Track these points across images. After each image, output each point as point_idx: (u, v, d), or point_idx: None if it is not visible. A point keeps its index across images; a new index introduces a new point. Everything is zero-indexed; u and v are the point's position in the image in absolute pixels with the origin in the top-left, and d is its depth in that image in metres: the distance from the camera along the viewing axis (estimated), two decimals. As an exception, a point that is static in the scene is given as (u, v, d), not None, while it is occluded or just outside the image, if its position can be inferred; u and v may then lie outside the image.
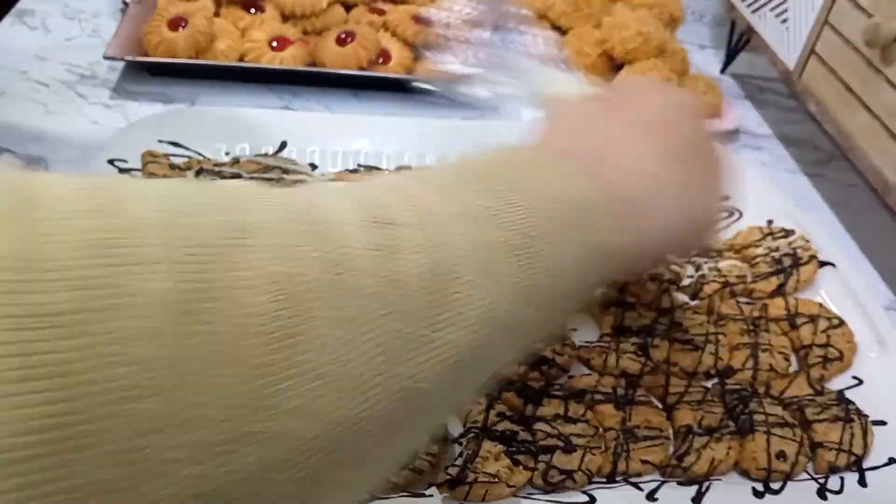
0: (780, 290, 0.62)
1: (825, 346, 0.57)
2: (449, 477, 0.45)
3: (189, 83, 0.83)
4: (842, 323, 0.59)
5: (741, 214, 0.70)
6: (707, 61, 1.04)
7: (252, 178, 0.65)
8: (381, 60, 0.83)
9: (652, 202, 0.38)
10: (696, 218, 0.42)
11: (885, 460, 0.51)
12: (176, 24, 0.79)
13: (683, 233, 0.41)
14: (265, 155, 0.69)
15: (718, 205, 0.45)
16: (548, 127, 0.42)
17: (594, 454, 0.48)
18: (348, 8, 0.90)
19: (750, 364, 0.56)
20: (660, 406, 0.53)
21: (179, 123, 0.70)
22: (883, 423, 0.53)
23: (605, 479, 0.48)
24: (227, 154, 0.68)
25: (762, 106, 0.96)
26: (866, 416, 0.52)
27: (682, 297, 0.62)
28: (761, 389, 0.55)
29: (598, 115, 0.43)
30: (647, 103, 0.43)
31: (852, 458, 0.50)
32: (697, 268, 0.63)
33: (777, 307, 0.61)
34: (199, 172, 0.65)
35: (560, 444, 0.48)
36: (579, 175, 0.36)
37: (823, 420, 0.51)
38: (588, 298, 0.37)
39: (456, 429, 0.49)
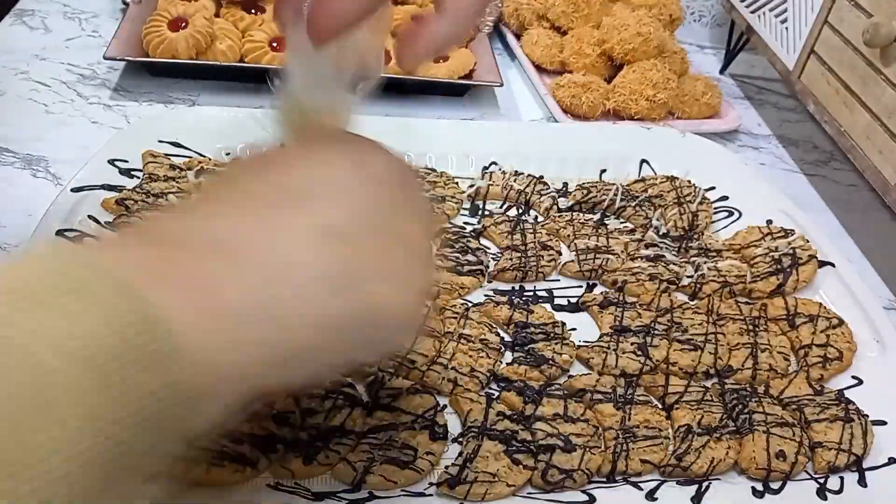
0: (779, 290, 0.62)
1: (825, 345, 0.57)
2: (449, 476, 0.45)
3: (189, 83, 0.83)
4: (841, 323, 0.59)
5: (740, 214, 0.70)
6: (707, 62, 1.04)
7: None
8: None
9: (286, 301, 0.30)
10: (365, 315, 0.33)
11: (885, 460, 0.51)
12: (176, 24, 0.79)
13: (346, 335, 0.32)
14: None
15: (409, 295, 0.35)
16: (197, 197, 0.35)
17: (594, 454, 0.48)
18: (348, 8, 0.90)
19: (749, 364, 0.56)
20: (659, 406, 0.53)
21: (179, 123, 0.70)
22: (883, 422, 0.53)
23: (604, 479, 0.48)
24: (227, 154, 0.69)
25: (762, 106, 0.96)
26: (866, 416, 0.52)
27: (681, 297, 0.62)
28: (761, 389, 0.55)
29: (252, 176, 0.35)
30: (325, 164, 0.35)
31: (852, 458, 0.50)
32: (697, 268, 0.63)
33: (776, 307, 0.61)
34: (199, 172, 0.65)
35: (559, 443, 0.48)
36: (153, 291, 0.27)
37: (823, 420, 0.52)
38: (218, 425, 0.29)
39: (456, 428, 0.49)
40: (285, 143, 0.39)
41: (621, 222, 0.69)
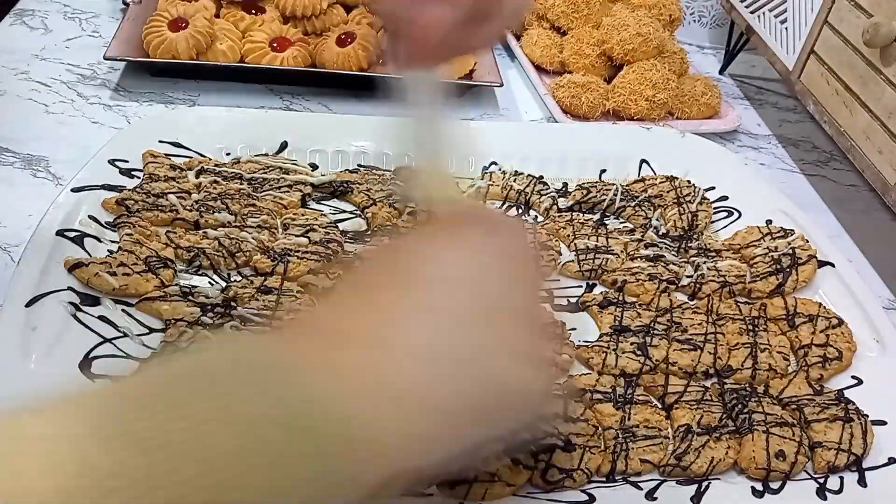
0: (779, 290, 0.62)
1: (824, 345, 0.57)
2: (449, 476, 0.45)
3: (189, 83, 0.83)
4: (841, 323, 0.59)
5: (740, 214, 0.70)
6: (706, 62, 1.04)
7: (252, 177, 0.65)
8: (380, 61, 0.84)
9: (428, 385, 0.32)
10: (495, 389, 0.35)
11: (885, 460, 0.51)
12: (176, 24, 0.80)
13: (483, 408, 0.34)
14: (265, 155, 0.69)
15: (536, 368, 0.37)
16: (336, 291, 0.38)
17: (593, 453, 0.48)
18: (348, 9, 0.90)
19: (749, 364, 0.56)
20: (659, 405, 0.53)
21: (180, 123, 0.70)
22: (883, 422, 0.53)
23: (604, 479, 0.48)
24: (227, 154, 0.69)
25: (761, 106, 0.96)
26: (866, 416, 0.52)
27: (681, 297, 0.62)
28: (760, 389, 0.55)
29: (390, 269, 0.37)
30: (452, 255, 0.37)
31: (852, 458, 0.50)
32: (696, 268, 0.63)
33: (776, 307, 0.61)
34: (199, 172, 0.66)
35: (559, 443, 0.48)
36: (320, 374, 0.30)
37: (823, 420, 0.52)
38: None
39: (456, 428, 0.49)
40: (417, 206, 0.42)
41: (621, 222, 0.69)
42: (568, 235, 0.65)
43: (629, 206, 0.69)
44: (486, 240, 0.39)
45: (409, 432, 0.31)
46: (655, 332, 0.57)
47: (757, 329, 0.58)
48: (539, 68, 0.92)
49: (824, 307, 0.61)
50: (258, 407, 0.27)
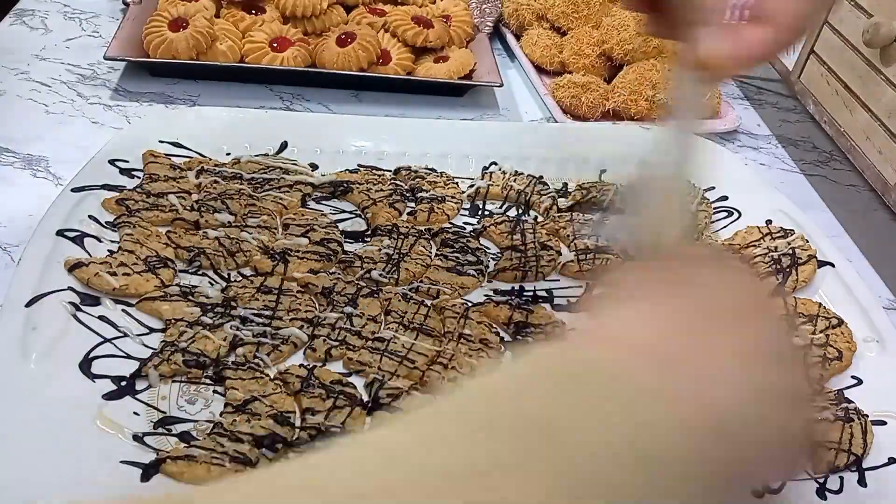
0: (778, 290, 0.62)
1: (824, 345, 0.57)
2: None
3: (190, 83, 0.83)
4: (841, 323, 0.59)
5: (740, 214, 0.70)
6: (706, 62, 1.04)
7: (252, 177, 0.65)
8: (380, 61, 0.84)
9: (747, 415, 0.31)
10: (794, 432, 0.33)
11: (885, 460, 0.51)
12: (177, 24, 0.80)
13: (785, 449, 0.33)
14: (266, 155, 0.69)
15: (810, 412, 0.37)
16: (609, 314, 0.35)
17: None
18: (348, 9, 0.90)
19: (749, 364, 0.56)
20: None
21: (180, 123, 0.70)
22: (883, 423, 0.53)
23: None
24: (227, 154, 0.69)
25: (761, 106, 0.96)
26: (866, 416, 0.52)
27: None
28: (761, 389, 0.55)
29: (666, 300, 0.35)
30: (720, 289, 0.36)
31: (852, 458, 0.50)
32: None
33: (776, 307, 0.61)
34: (199, 172, 0.66)
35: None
36: (660, 400, 0.29)
37: (823, 420, 0.51)
38: None
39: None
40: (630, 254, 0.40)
41: (621, 222, 0.69)
42: (568, 235, 0.65)
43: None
44: (741, 275, 0.38)
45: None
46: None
47: (757, 329, 0.58)
48: (539, 68, 0.92)
49: (824, 307, 0.61)
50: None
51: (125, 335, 0.51)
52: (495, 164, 0.72)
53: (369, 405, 0.49)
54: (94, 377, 0.47)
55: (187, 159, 0.67)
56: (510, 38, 0.97)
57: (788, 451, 0.34)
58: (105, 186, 0.62)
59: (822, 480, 0.49)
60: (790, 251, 0.64)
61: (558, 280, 0.63)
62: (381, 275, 0.58)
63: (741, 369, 0.32)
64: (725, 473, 0.31)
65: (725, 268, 0.39)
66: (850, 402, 0.53)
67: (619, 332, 0.33)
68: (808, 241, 0.65)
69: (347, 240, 0.62)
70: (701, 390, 0.30)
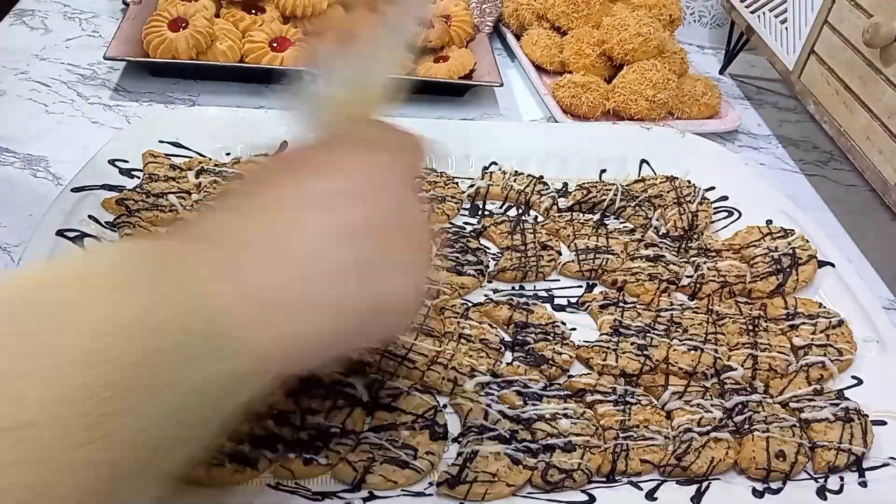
0: (779, 290, 0.62)
1: (824, 345, 0.57)
2: (448, 476, 0.45)
3: (189, 83, 0.83)
4: (841, 322, 0.59)
5: (740, 214, 0.70)
6: (706, 62, 1.04)
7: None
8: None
9: (312, 291, 0.34)
10: (376, 303, 0.36)
11: (885, 460, 0.51)
12: (176, 24, 0.80)
13: (360, 321, 0.36)
14: (265, 155, 0.69)
15: (414, 287, 0.39)
16: (220, 205, 0.38)
17: (594, 454, 0.48)
18: (349, 9, 0.90)
19: (749, 364, 0.56)
20: (659, 405, 0.53)
21: (180, 123, 0.70)
22: (883, 423, 0.53)
23: (604, 479, 0.48)
24: (227, 154, 0.69)
25: (761, 106, 0.96)
26: (866, 416, 0.52)
27: (681, 297, 0.62)
28: (760, 389, 0.55)
29: (280, 179, 0.38)
30: (344, 169, 0.38)
31: (852, 458, 0.50)
32: (697, 268, 0.63)
33: (776, 307, 0.61)
34: (199, 172, 0.65)
35: (559, 443, 0.48)
36: (208, 282, 0.31)
37: (823, 420, 0.52)
38: (248, 405, 0.32)
39: (456, 429, 0.49)
40: (313, 136, 0.42)
41: (621, 222, 0.69)
42: (568, 235, 0.65)
43: (629, 206, 0.69)
44: (380, 160, 0.39)
45: (294, 336, 0.33)
46: (656, 332, 0.57)
47: (757, 329, 0.58)
48: (539, 68, 0.92)
49: (824, 307, 0.61)
50: (153, 313, 0.28)
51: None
52: (495, 164, 0.72)
53: (369, 405, 0.49)
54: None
55: (187, 159, 0.67)
56: (510, 38, 0.97)
57: (368, 319, 0.37)
58: (105, 186, 0.62)
59: (822, 480, 0.49)
60: (790, 251, 0.64)
61: (558, 280, 0.63)
62: (381, 275, 0.58)
63: (327, 245, 0.35)
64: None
65: (377, 147, 0.41)
66: (850, 402, 0.53)
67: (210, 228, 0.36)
68: (808, 241, 0.65)
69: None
70: (283, 268, 0.34)
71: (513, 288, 0.61)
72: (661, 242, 0.66)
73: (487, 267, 0.62)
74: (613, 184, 0.71)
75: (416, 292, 0.40)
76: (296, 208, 0.36)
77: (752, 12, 0.88)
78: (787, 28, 0.81)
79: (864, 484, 0.49)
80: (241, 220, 0.36)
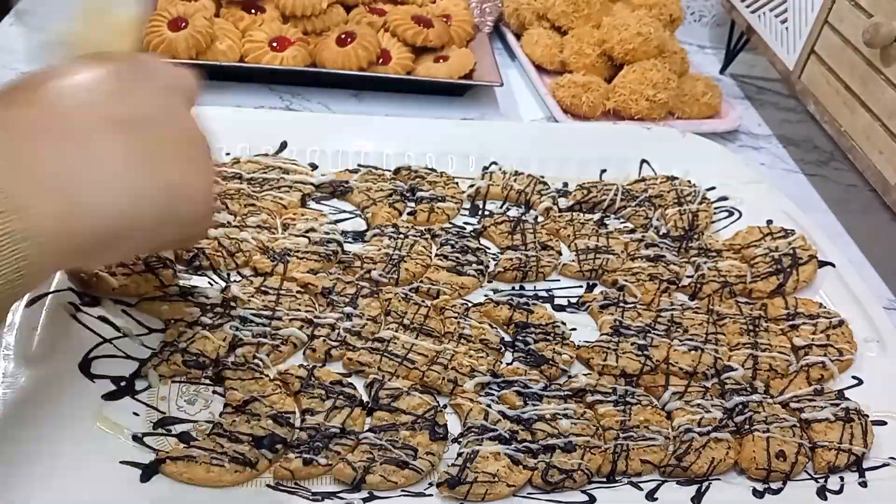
0: (779, 290, 0.62)
1: (825, 345, 0.57)
2: (449, 476, 0.45)
3: (189, 83, 0.83)
4: (841, 322, 0.59)
5: (740, 214, 0.70)
6: (707, 62, 1.04)
7: (252, 177, 0.65)
8: (380, 61, 0.84)
9: (101, 169, 0.35)
10: (167, 191, 0.39)
11: (885, 460, 0.51)
12: (176, 24, 0.79)
13: (154, 208, 0.38)
14: (265, 155, 0.69)
15: (203, 182, 0.42)
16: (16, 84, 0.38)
17: (594, 454, 0.48)
18: (348, 9, 0.90)
19: (749, 364, 0.56)
20: (659, 406, 0.53)
21: (179, 123, 0.70)
22: (883, 423, 0.53)
23: (604, 479, 0.48)
24: (227, 154, 0.68)
25: (762, 106, 0.96)
26: (866, 416, 0.52)
27: (681, 297, 0.62)
28: (761, 389, 0.55)
29: (53, 89, 0.38)
30: (107, 70, 0.39)
31: (852, 458, 0.50)
32: (697, 268, 0.63)
33: (777, 307, 0.61)
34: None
35: (559, 443, 0.48)
36: None
37: (823, 420, 0.52)
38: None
39: (456, 429, 0.49)
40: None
41: (621, 222, 0.69)
42: (568, 235, 0.65)
43: (629, 206, 0.69)
44: (139, 65, 0.42)
45: (83, 215, 0.34)
46: (656, 332, 0.57)
47: (757, 329, 0.58)
48: (539, 68, 0.92)
49: (825, 307, 0.61)
50: None
51: (125, 335, 0.51)
52: (495, 164, 0.72)
53: (369, 405, 0.49)
54: (93, 377, 0.47)
55: (187, 159, 0.67)
56: (510, 38, 0.97)
57: (157, 211, 0.38)
58: (105, 186, 0.61)
59: (822, 480, 0.49)
60: (791, 251, 0.64)
61: (558, 280, 0.63)
62: (380, 275, 0.58)
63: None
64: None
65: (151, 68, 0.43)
66: (850, 402, 0.53)
67: None
68: (808, 241, 0.65)
69: (347, 240, 0.62)
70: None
71: (513, 288, 0.61)
72: (661, 242, 0.66)
73: (487, 267, 0.62)
74: (614, 184, 0.71)
75: (206, 189, 0.42)
76: (66, 109, 0.36)
77: (752, 12, 0.88)
78: (787, 28, 0.81)
79: (864, 484, 0.49)
80: (18, 110, 0.36)
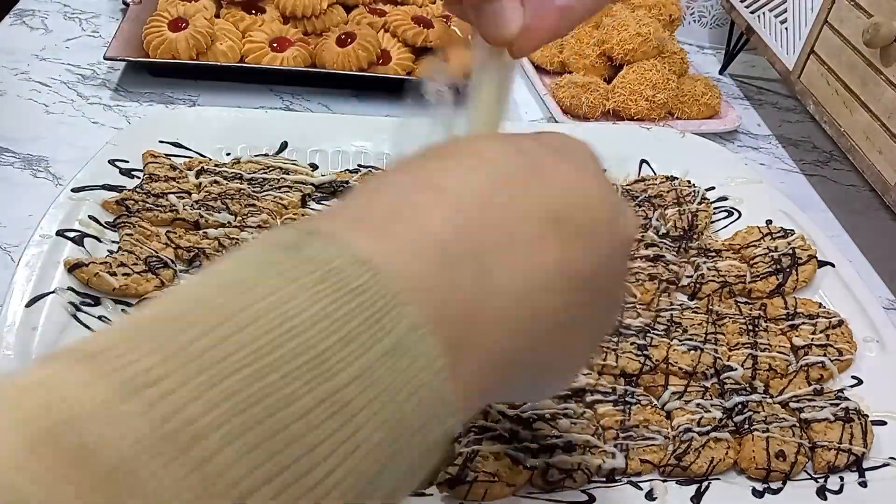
0: (778, 290, 0.62)
1: (824, 345, 0.57)
2: (449, 476, 0.45)
3: (190, 83, 0.83)
4: (841, 322, 0.59)
5: (740, 214, 0.70)
6: (706, 62, 1.04)
7: (252, 177, 0.65)
8: (380, 61, 0.84)
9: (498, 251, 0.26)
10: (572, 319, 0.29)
11: (885, 460, 0.51)
12: (177, 24, 0.80)
13: (558, 334, 0.28)
14: (265, 155, 0.69)
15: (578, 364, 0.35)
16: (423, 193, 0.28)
17: (594, 454, 0.48)
18: (348, 9, 0.90)
19: (749, 364, 0.56)
20: (659, 405, 0.53)
21: (180, 123, 0.70)
22: (883, 423, 0.53)
23: (604, 479, 0.48)
24: (227, 154, 0.69)
25: (761, 106, 0.96)
26: (866, 416, 0.52)
27: (681, 297, 0.62)
28: (760, 389, 0.55)
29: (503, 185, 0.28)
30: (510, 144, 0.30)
31: (852, 458, 0.50)
32: (696, 268, 0.63)
33: (776, 307, 0.61)
34: (199, 172, 0.66)
35: (559, 443, 0.48)
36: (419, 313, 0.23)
37: (823, 420, 0.52)
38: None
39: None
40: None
41: (621, 222, 0.69)
42: (568, 235, 0.65)
43: (629, 206, 0.69)
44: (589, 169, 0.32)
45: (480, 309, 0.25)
46: (655, 332, 0.57)
47: (757, 329, 0.58)
48: (539, 68, 0.92)
49: (824, 307, 0.61)
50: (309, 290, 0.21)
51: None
52: (495, 164, 0.72)
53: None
54: (93, 377, 0.47)
55: (187, 159, 0.67)
56: (510, 38, 0.97)
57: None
58: (105, 186, 0.62)
59: (822, 480, 0.49)
60: (790, 251, 0.64)
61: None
62: (380, 275, 0.58)
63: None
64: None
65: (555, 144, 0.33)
66: (850, 402, 0.53)
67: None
68: (808, 241, 0.65)
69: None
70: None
71: (513, 288, 0.61)
72: (660, 242, 0.66)
73: (487, 267, 0.62)
74: (613, 184, 0.71)
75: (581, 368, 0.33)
76: (522, 227, 0.27)
77: (751, 12, 0.88)
78: (786, 28, 0.81)
79: (864, 484, 0.49)
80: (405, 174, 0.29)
